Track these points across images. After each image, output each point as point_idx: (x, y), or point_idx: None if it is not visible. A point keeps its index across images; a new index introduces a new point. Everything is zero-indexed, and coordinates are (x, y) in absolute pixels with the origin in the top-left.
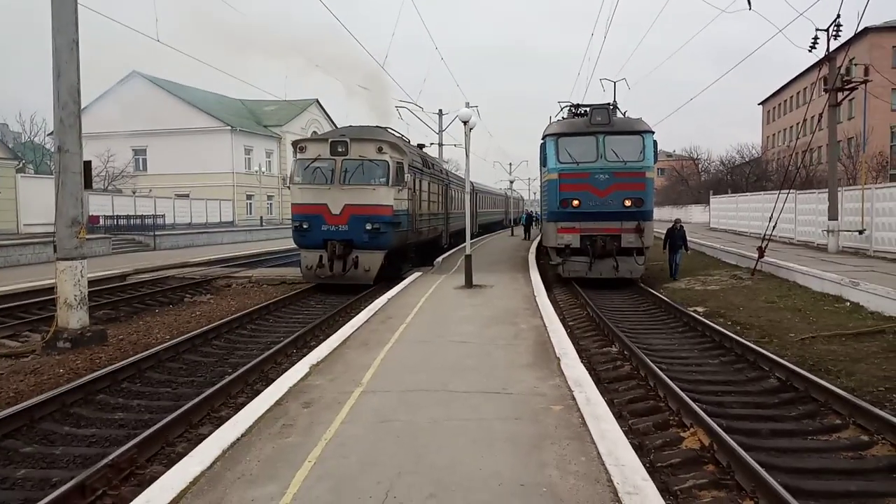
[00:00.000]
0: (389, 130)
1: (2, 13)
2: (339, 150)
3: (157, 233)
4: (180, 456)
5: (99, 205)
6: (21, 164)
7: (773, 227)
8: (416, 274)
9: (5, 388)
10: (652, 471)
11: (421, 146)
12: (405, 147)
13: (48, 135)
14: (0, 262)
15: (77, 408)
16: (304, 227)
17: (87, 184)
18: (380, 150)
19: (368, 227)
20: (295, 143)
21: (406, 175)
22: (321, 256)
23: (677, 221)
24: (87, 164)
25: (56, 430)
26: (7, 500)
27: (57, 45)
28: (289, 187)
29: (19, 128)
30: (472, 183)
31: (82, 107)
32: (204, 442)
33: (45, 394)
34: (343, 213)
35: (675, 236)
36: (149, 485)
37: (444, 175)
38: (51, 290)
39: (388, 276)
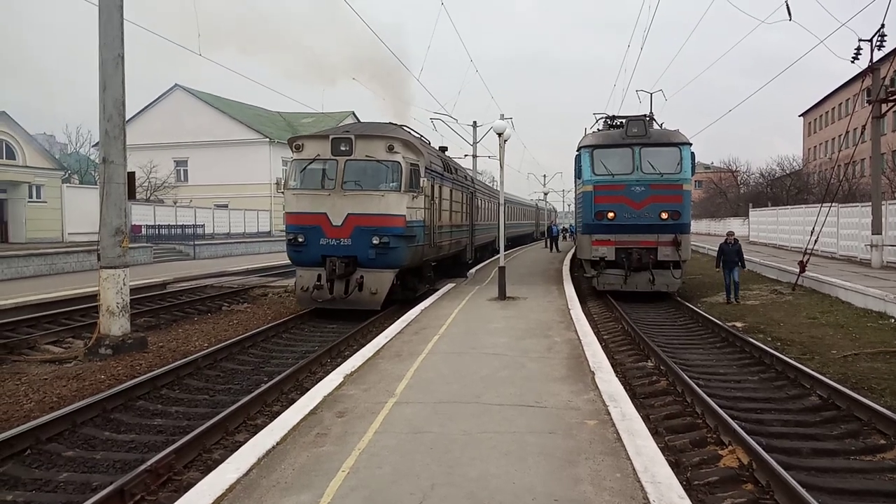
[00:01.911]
0: (404, 128)
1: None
2: (342, 148)
3: (196, 242)
4: (217, 462)
5: (141, 214)
6: (67, 175)
7: (815, 242)
8: (449, 285)
9: (49, 393)
10: (689, 489)
11: (443, 149)
12: (421, 147)
13: (93, 146)
14: (45, 269)
15: (117, 413)
16: (300, 240)
17: (131, 194)
18: (390, 148)
19: (376, 241)
20: (291, 141)
21: (422, 179)
22: (320, 276)
23: (730, 235)
24: (131, 175)
25: (97, 435)
26: (50, 502)
27: (103, 59)
28: (282, 192)
29: (65, 139)
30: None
31: (126, 119)
32: (240, 449)
33: (87, 399)
34: (345, 224)
35: (729, 252)
36: (186, 491)
37: (468, 182)
38: (93, 297)
39: (402, 300)
